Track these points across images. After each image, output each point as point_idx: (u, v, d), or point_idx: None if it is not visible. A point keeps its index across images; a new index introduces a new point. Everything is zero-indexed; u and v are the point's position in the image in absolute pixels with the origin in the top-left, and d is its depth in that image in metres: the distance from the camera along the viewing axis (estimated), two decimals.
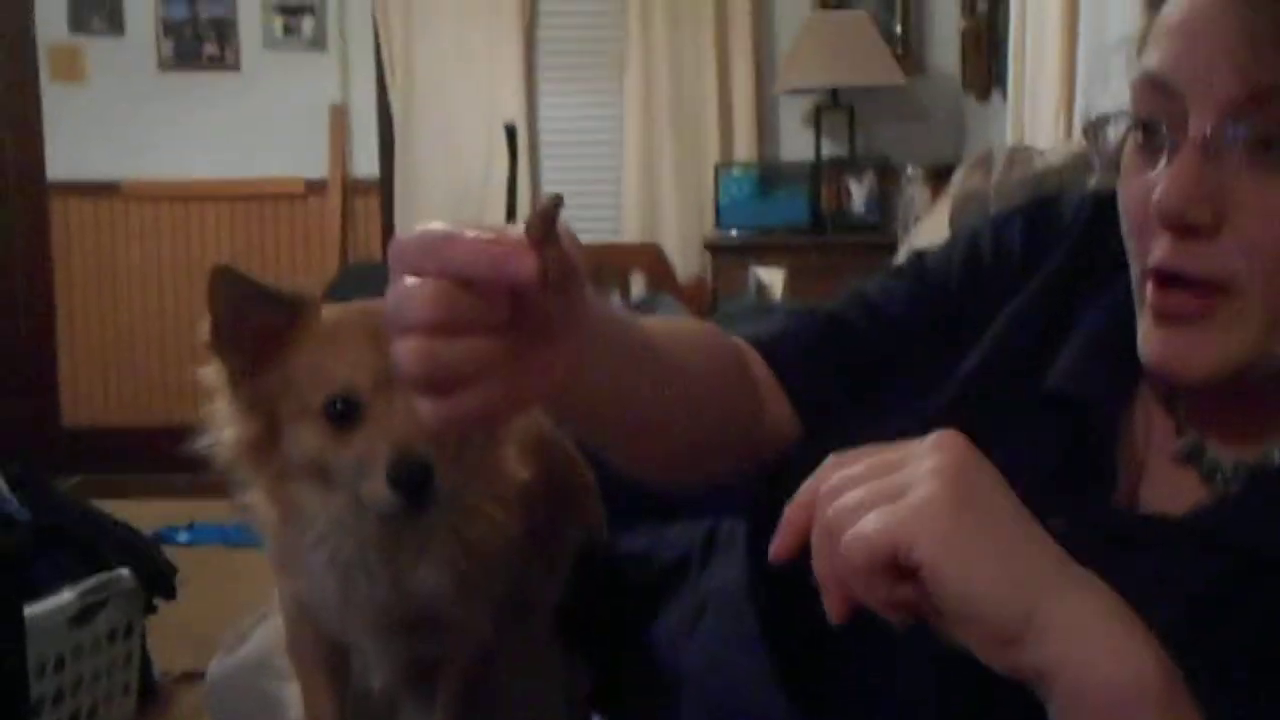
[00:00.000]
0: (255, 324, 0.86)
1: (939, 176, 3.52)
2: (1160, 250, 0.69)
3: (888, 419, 0.87)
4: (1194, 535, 0.70)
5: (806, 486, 0.61)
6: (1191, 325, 0.69)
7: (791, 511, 0.62)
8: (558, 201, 0.59)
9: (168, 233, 4.85)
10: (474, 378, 0.59)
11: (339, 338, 0.86)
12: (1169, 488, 0.75)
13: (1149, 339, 0.72)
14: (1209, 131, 0.66)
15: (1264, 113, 0.65)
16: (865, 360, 0.90)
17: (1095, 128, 0.76)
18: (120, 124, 4.75)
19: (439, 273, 0.58)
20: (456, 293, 0.57)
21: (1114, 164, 0.74)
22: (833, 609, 0.59)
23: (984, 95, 4.08)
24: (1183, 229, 0.67)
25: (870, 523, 0.56)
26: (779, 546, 0.62)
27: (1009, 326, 0.85)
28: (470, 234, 0.58)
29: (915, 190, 3.90)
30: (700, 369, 0.82)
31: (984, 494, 0.58)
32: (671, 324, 0.90)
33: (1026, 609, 0.55)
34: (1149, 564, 0.70)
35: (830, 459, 0.61)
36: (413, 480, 0.82)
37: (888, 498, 0.57)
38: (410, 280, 0.58)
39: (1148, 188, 0.69)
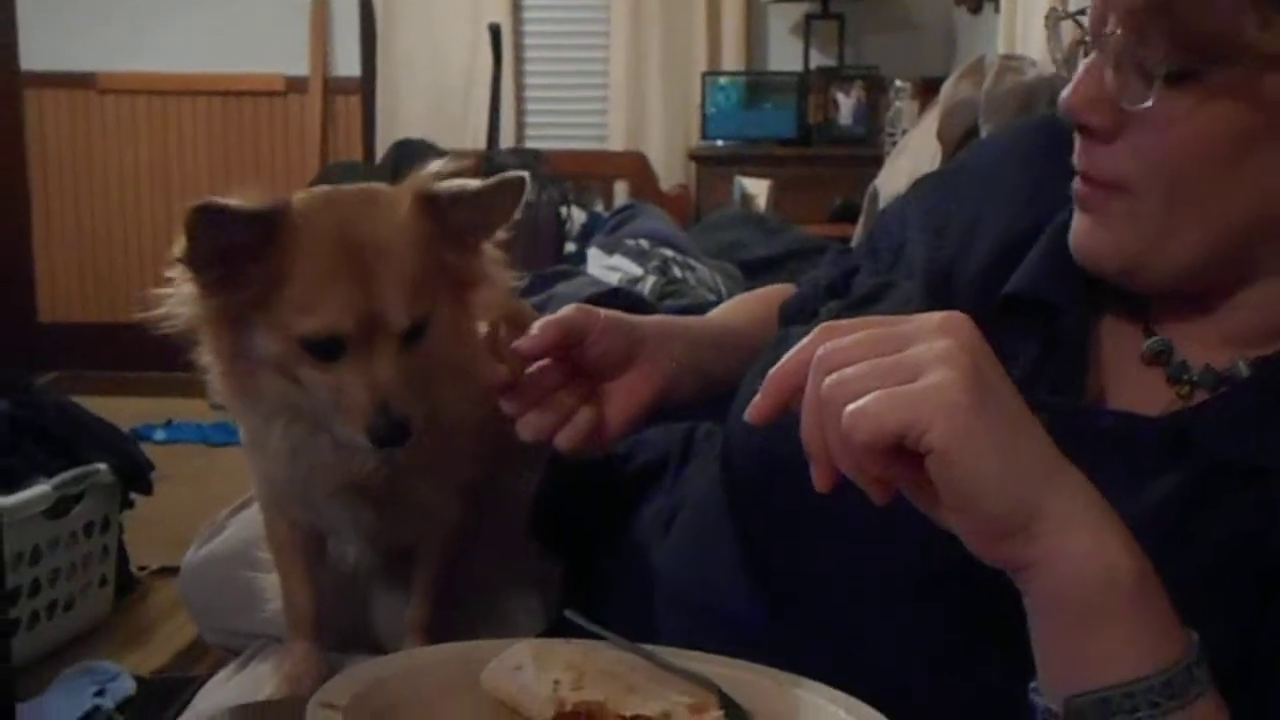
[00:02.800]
0: (232, 243, 0.83)
1: (928, 89, 3.48)
2: (1075, 149, 0.74)
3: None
4: (1166, 436, 0.72)
5: (793, 353, 0.61)
6: (1099, 214, 0.74)
7: (776, 376, 0.62)
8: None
9: (144, 128, 4.78)
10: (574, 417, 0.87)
11: (324, 268, 0.83)
12: (1138, 389, 0.77)
13: (1074, 226, 0.77)
14: (1115, 40, 0.69)
15: (1155, 27, 0.67)
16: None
17: (1052, 22, 0.78)
18: (97, 15, 4.65)
19: None
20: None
21: (1068, 61, 0.77)
22: (819, 478, 0.60)
23: (976, 7, 4.03)
24: (1086, 130, 0.72)
25: (880, 401, 0.56)
26: (758, 409, 0.62)
27: (966, 238, 0.87)
28: None
29: (903, 103, 3.86)
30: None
31: (993, 384, 0.58)
32: (741, 304, 1.12)
33: (1027, 503, 0.56)
34: (1127, 461, 0.71)
35: (819, 327, 0.61)
36: (391, 437, 0.83)
37: (895, 378, 0.57)
38: None
39: None
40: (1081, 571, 0.56)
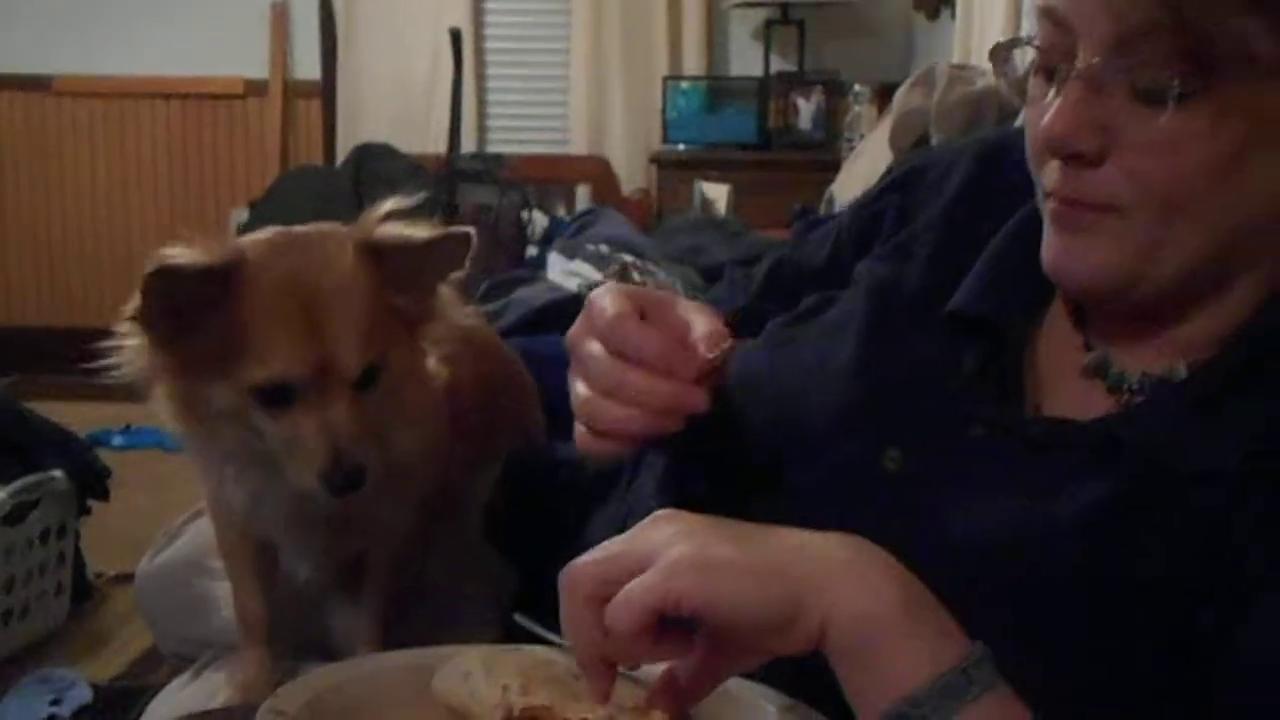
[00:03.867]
0: (184, 299, 0.83)
1: (886, 95, 3.51)
2: (1053, 175, 0.73)
3: (807, 331, 0.90)
4: (1100, 439, 0.73)
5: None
6: (1084, 233, 0.73)
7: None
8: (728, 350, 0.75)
9: (102, 131, 4.74)
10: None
11: (275, 318, 0.84)
12: (1077, 400, 0.78)
13: (1047, 246, 0.76)
14: (1093, 65, 0.69)
15: (1139, 51, 0.67)
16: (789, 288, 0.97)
17: (1001, 52, 0.79)
18: (54, 18, 4.60)
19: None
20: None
21: (1020, 89, 0.77)
22: (595, 693, 0.65)
23: (934, 13, 4.07)
24: (1069, 156, 0.71)
25: (632, 590, 0.61)
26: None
27: (901, 256, 0.88)
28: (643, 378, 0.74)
29: (862, 108, 3.90)
30: None
31: (718, 531, 0.64)
32: None
33: (786, 593, 0.61)
34: (1059, 466, 0.73)
35: (565, 569, 0.65)
36: (346, 484, 0.85)
37: (633, 572, 0.61)
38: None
39: (1043, 114, 0.72)
40: (851, 617, 0.60)
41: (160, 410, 0.90)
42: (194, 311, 0.84)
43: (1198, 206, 0.70)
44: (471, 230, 0.90)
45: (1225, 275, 0.73)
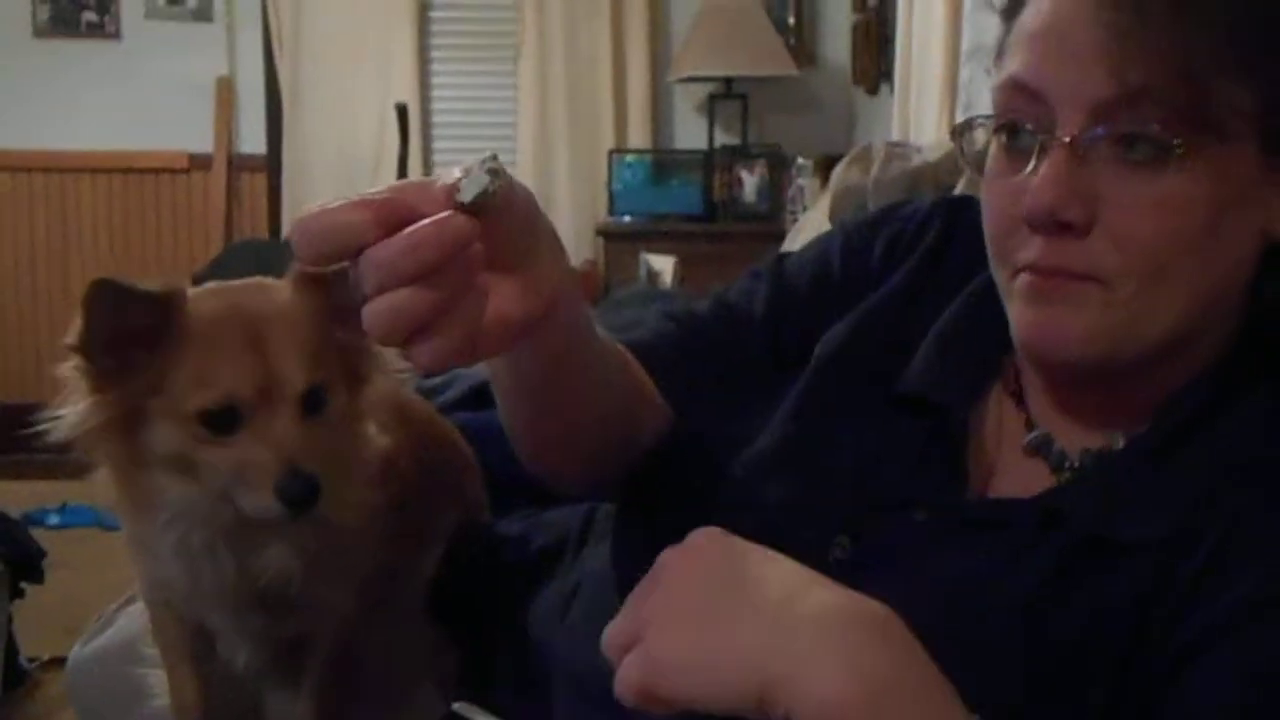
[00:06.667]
0: (127, 327, 0.83)
1: (829, 167, 3.56)
2: (1034, 250, 0.71)
3: (749, 415, 0.89)
4: (1041, 514, 0.73)
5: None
6: (1063, 304, 0.72)
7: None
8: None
9: (41, 205, 4.69)
10: (438, 325, 0.61)
11: (217, 342, 0.84)
12: (1020, 479, 0.78)
13: (1022, 320, 0.74)
14: (1078, 133, 0.68)
15: (1133, 111, 0.67)
16: (726, 359, 0.93)
17: (962, 131, 0.78)
18: None
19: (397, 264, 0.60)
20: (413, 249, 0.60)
21: (979, 166, 0.76)
22: None
23: (873, 89, 4.15)
24: (1056, 228, 0.70)
25: (625, 670, 0.61)
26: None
27: (859, 333, 0.88)
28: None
29: (805, 180, 3.95)
30: (622, 384, 0.87)
31: (695, 602, 0.61)
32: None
33: (755, 685, 0.59)
34: (1002, 543, 0.73)
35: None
36: (302, 496, 0.83)
37: (628, 645, 0.62)
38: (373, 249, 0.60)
39: (1014, 190, 0.71)
40: (814, 707, 0.58)
41: (99, 471, 0.89)
42: (133, 347, 0.84)
43: (1183, 271, 0.69)
44: None
45: (1193, 340, 0.74)
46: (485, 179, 0.62)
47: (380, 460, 0.97)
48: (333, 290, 0.88)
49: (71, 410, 0.86)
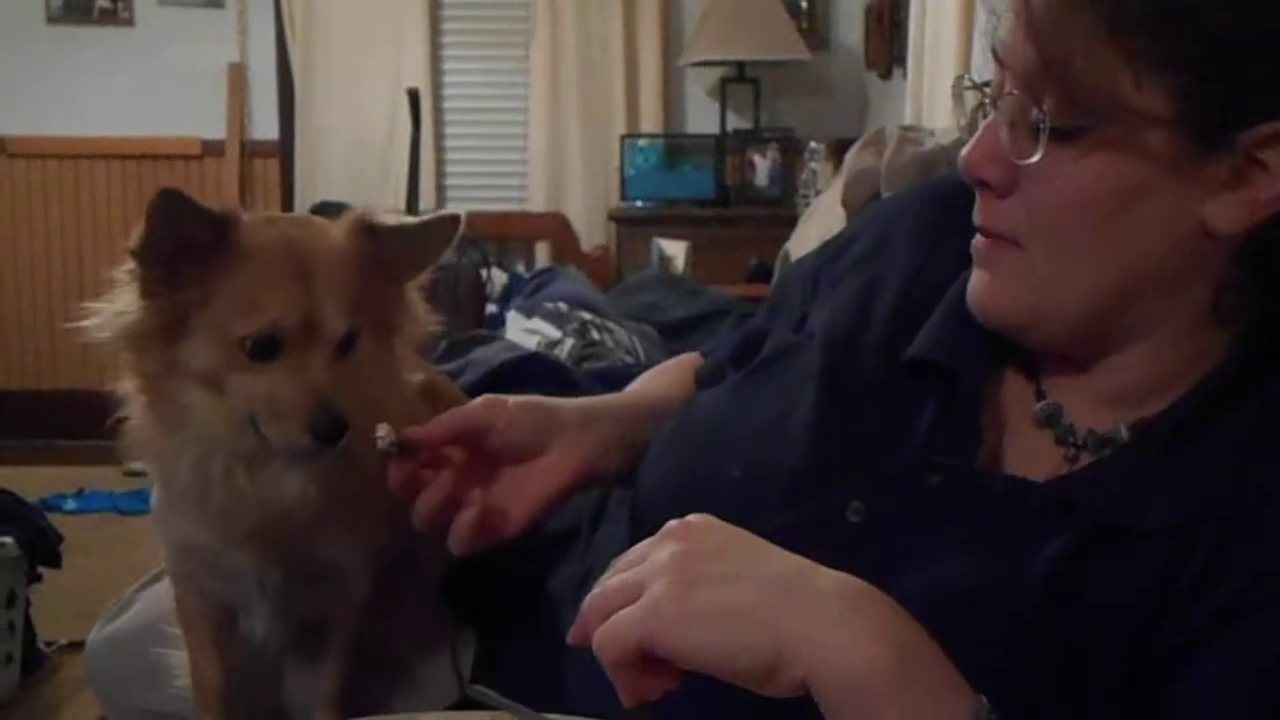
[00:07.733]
0: (184, 240, 0.86)
1: (842, 151, 3.55)
2: (976, 205, 0.78)
3: (769, 384, 0.91)
4: (1050, 501, 0.74)
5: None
6: (994, 268, 0.78)
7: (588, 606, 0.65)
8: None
9: (55, 192, 4.70)
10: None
11: (268, 270, 0.87)
12: (1029, 451, 0.79)
13: (972, 282, 0.80)
14: (1011, 100, 0.73)
15: (1054, 87, 0.71)
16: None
17: (958, 90, 0.83)
18: (5, 78, 4.59)
19: None
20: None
21: (971, 125, 0.80)
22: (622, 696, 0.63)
23: (886, 73, 4.14)
24: (980, 185, 0.76)
25: (617, 623, 0.61)
26: (574, 635, 0.65)
27: (866, 304, 0.90)
28: None
29: (818, 165, 3.94)
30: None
31: (712, 564, 0.62)
32: (660, 374, 1.14)
33: (767, 646, 0.60)
34: (1018, 521, 0.74)
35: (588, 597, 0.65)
36: (331, 432, 0.85)
37: (628, 597, 0.62)
38: None
39: None
40: (841, 672, 0.59)
41: (128, 390, 0.91)
42: (187, 261, 0.86)
43: (1086, 244, 0.73)
44: (461, 213, 0.96)
45: (1141, 323, 0.75)
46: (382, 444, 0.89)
47: (414, 396, 1.00)
48: (383, 242, 0.91)
49: (117, 309, 0.88)
